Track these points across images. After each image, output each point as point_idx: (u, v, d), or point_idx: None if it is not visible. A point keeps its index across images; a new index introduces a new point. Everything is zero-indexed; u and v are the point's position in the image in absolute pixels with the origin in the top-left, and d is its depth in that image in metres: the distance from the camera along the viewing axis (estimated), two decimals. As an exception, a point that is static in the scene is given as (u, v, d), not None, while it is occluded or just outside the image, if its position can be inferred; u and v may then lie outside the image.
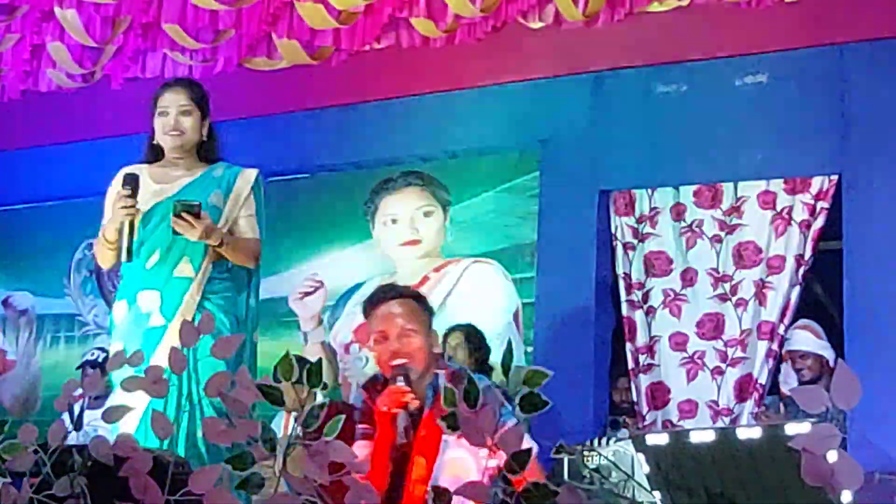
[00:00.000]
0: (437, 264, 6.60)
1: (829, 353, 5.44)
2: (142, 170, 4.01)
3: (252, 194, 4.05)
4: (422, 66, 6.51)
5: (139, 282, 3.91)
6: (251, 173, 4.09)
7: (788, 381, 5.59)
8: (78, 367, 6.53)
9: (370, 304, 3.46)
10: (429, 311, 3.47)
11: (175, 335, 3.56)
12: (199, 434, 3.67)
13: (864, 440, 4.77)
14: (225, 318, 3.90)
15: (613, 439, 4.20)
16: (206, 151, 4.06)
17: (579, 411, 5.67)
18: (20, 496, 2.01)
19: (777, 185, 5.74)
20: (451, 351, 5.58)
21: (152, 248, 3.91)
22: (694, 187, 5.92)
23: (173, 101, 3.99)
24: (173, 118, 3.98)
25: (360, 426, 3.29)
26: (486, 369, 5.58)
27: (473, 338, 5.65)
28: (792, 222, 5.68)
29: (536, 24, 5.98)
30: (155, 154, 4.07)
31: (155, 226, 3.90)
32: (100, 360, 6.45)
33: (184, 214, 3.77)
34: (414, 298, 3.47)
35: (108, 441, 2.00)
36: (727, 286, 5.75)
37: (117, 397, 3.51)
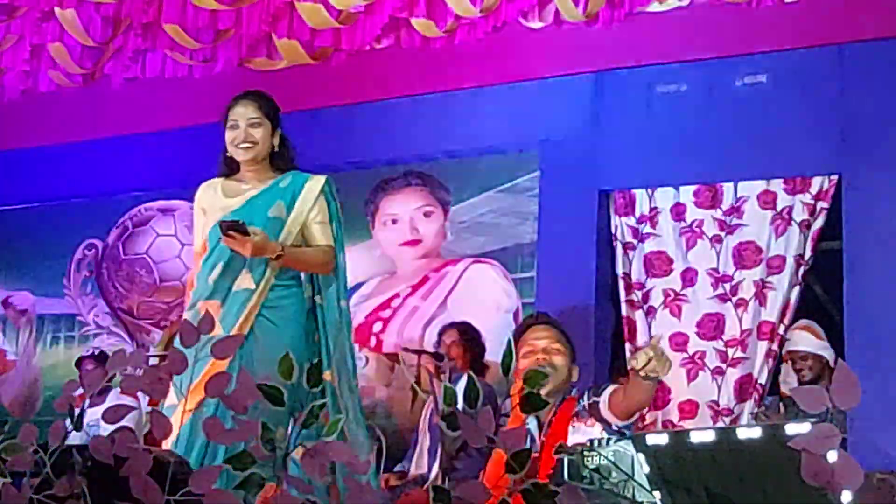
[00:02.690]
0: (437, 264, 6.61)
1: (828, 354, 5.44)
2: (217, 184, 4.10)
3: (320, 200, 4.07)
4: (422, 66, 6.51)
5: (203, 293, 3.96)
6: (318, 180, 4.10)
7: (789, 381, 5.59)
8: (76, 364, 6.57)
9: (519, 330, 3.93)
10: (570, 343, 3.91)
11: None
12: None
13: (864, 440, 4.77)
14: (283, 326, 3.92)
15: (613, 439, 4.20)
16: (278, 161, 4.11)
17: (579, 411, 5.67)
18: (20, 496, 2.00)
19: (777, 185, 5.74)
20: (445, 348, 5.59)
21: (216, 262, 3.96)
22: (694, 187, 5.92)
23: (242, 114, 4.04)
24: (243, 131, 4.03)
25: None
26: (480, 367, 5.59)
27: (468, 335, 5.66)
28: (792, 222, 5.68)
29: (536, 24, 5.99)
30: (230, 167, 4.12)
31: (219, 240, 3.92)
32: (95, 353, 6.51)
33: (231, 233, 3.82)
34: (557, 328, 3.91)
35: (108, 441, 2.00)
36: (727, 286, 5.75)
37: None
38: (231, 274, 3.93)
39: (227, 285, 3.93)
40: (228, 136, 4.05)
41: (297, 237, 4.03)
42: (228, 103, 4.11)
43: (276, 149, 4.09)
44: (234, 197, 4.06)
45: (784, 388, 5.64)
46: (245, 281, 3.93)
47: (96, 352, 6.59)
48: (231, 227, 3.81)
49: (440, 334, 5.74)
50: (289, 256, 3.94)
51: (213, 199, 4.07)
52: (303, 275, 4.06)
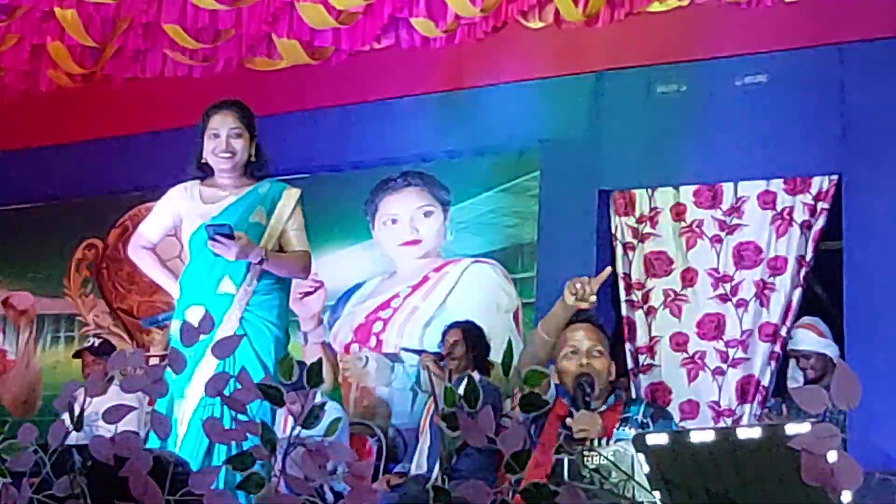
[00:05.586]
0: (437, 264, 6.60)
1: (832, 351, 5.41)
2: (194, 189, 4.19)
3: (297, 209, 4.18)
4: (422, 66, 6.51)
5: (189, 299, 4.04)
6: (296, 190, 4.22)
7: (797, 378, 5.57)
8: (75, 355, 6.55)
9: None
10: (608, 339, 3.94)
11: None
12: None
13: (864, 440, 4.76)
14: (268, 329, 4.02)
15: (613, 439, 4.21)
16: (253, 168, 4.19)
17: (579, 411, 5.66)
18: (20, 496, 2.00)
19: (777, 185, 5.74)
20: (449, 348, 5.58)
21: (198, 268, 4.06)
22: (694, 187, 5.91)
23: (224, 124, 4.10)
24: (224, 141, 4.10)
25: None
26: (484, 366, 5.58)
27: (472, 334, 5.65)
28: (793, 223, 5.68)
29: (536, 24, 5.99)
30: (204, 171, 4.20)
31: (201, 246, 4.02)
32: (96, 345, 6.50)
33: (217, 237, 3.89)
34: (598, 326, 3.93)
35: (108, 441, 1.99)
36: (727, 286, 5.74)
37: None
38: (213, 278, 4.01)
39: (211, 289, 4.00)
40: (208, 145, 4.11)
41: (275, 243, 4.13)
42: (206, 111, 4.16)
43: (253, 158, 4.17)
44: (212, 203, 4.14)
45: (791, 385, 5.63)
46: (226, 285, 4.01)
47: (96, 343, 6.56)
48: (219, 232, 3.90)
49: (444, 333, 5.74)
50: (271, 261, 4.04)
51: (191, 205, 4.16)
52: (284, 282, 4.18)
